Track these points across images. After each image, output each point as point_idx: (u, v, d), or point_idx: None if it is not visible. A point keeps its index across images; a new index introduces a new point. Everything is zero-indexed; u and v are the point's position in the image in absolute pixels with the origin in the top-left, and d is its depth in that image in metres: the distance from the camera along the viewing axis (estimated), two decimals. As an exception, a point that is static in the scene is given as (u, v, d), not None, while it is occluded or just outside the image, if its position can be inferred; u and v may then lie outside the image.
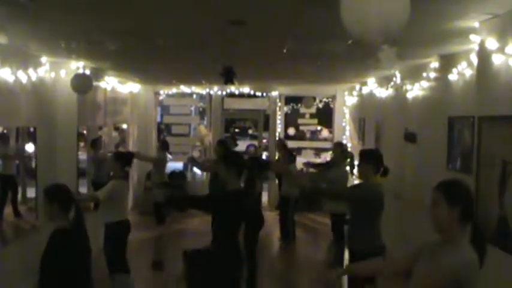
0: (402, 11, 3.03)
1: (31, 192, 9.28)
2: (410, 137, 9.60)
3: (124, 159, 8.06)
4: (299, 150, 17.60)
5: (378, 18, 2.95)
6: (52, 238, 4.75)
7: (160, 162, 12.73)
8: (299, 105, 17.63)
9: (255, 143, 23.48)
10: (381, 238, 6.11)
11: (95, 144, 11.60)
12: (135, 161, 15.05)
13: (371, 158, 6.08)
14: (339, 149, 10.46)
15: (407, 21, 3.14)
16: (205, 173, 16.64)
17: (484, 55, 5.68)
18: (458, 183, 3.45)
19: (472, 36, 5.90)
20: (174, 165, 17.84)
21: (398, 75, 10.43)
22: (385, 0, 2.97)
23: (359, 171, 6.27)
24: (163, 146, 12.99)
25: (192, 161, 12.17)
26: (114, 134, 14.42)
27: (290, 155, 12.02)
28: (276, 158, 14.41)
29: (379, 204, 6.01)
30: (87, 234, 5.12)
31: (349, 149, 15.38)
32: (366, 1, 2.98)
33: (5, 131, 11.04)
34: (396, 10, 3.01)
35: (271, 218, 12.17)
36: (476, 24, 5.70)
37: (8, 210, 9.51)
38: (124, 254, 7.88)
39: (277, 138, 15.67)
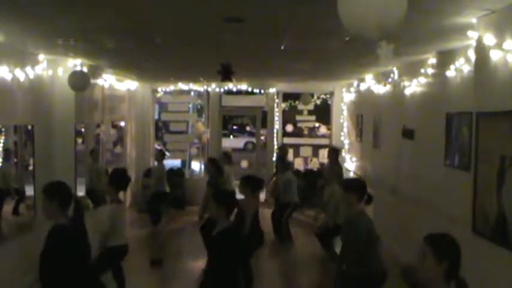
0: (399, 7, 3.03)
1: (29, 191, 9.26)
2: (408, 134, 9.60)
3: (120, 184, 7.57)
4: (297, 147, 17.61)
5: (374, 13, 2.95)
6: (51, 234, 4.74)
7: (159, 174, 12.72)
8: (297, 102, 17.60)
9: (253, 140, 23.49)
10: (382, 261, 6.01)
11: (93, 153, 11.57)
12: (133, 157, 15.16)
13: (354, 188, 6.06)
14: (334, 155, 10.62)
15: (405, 17, 3.14)
16: (203, 170, 16.68)
17: (481, 51, 5.68)
18: (447, 238, 3.40)
19: (470, 32, 5.90)
20: (173, 162, 17.88)
21: (396, 71, 10.43)
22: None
23: (344, 200, 6.32)
24: (160, 156, 13.01)
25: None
26: (112, 131, 14.42)
27: (286, 164, 12.19)
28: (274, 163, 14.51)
29: (367, 234, 5.88)
30: (86, 230, 5.11)
31: (345, 147, 15.52)
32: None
33: (2, 129, 11.04)
34: (393, 6, 3.01)
35: (269, 215, 12.13)
36: (473, 20, 5.70)
37: (7, 208, 9.50)
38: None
39: (279, 134, 15.70)
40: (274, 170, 13.78)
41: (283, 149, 13.51)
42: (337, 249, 8.88)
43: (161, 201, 12.63)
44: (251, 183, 8.32)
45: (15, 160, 10.78)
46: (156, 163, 13.38)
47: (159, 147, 16.14)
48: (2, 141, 11.28)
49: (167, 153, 13.87)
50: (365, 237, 5.72)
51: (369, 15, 2.97)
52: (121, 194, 7.82)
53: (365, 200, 6.10)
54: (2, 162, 10.80)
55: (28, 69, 8.21)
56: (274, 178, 12.87)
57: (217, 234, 5.67)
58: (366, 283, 5.76)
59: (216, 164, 10.95)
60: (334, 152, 12.30)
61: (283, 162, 12.27)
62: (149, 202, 12.73)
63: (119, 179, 7.61)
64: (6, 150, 10.89)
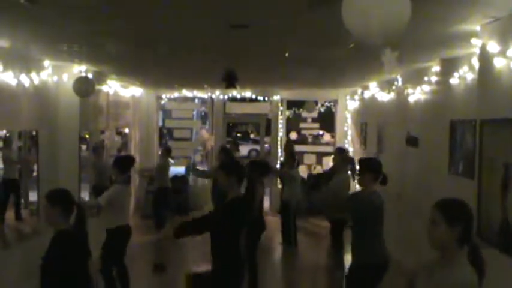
0: (403, 13, 3.04)
1: (33, 196, 9.29)
2: (412, 141, 9.60)
3: (124, 164, 8.04)
4: (301, 155, 17.60)
5: (379, 20, 2.96)
6: (54, 240, 4.75)
7: (162, 168, 12.83)
8: (301, 109, 17.63)
9: (257, 147, 23.50)
10: (384, 246, 6.07)
11: (96, 150, 11.61)
12: (137, 164, 15.16)
13: (370, 167, 6.10)
14: (339, 155, 10.50)
15: (409, 24, 3.15)
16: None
17: (485, 58, 5.69)
18: (459, 203, 3.38)
19: (474, 40, 5.91)
20: (177, 169, 17.88)
21: (400, 79, 10.44)
22: (386, 2, 2.98)
23: (359, 180, 6.29)
24: (166, 152, 13.08)
25: (194, 170, 12.23)
26: (116, 138, 14.45)
27: (294, 160, 12.04)
28: (281, 161, 14.40)
29: (379, 212, 5.99)
30: (87, 238, 5.12)
31: (350, 154, 15.47)
32: (368, 3, 2.99)
33: (7, 135, 11.08)
34: (397, 12, 3.02)
35: (273, 223, 12.14)
36: (477, 28, 5.72)
37: (10, 214, 9.53)
38: (122, 258, 7.84)
39: (283, 141, 15.68)
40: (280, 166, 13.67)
41: (290, 145, 13.43)
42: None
43: (165, 199, 12.66)
44: (257, 168, 8.29)
45: (18, 166, 10.84)
46: (160, 159, 13.38)
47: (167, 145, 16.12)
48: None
49: (172, 161, 13.86)
50: (378, 215, 5.81)
51: (373, 21, 2.98)
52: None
53: (380, 181, 6.10)
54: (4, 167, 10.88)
55: (33, 75, 8.24)
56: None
57: (231, 200, 5.59)
58: (370, 272, 5.80)
59: (228, 153, 10.83)
60: (340, 153, 12.20)
61: (292, 158, 12.10)
62: (154, 201, 12.78)
63: (123, 160, 8.17)
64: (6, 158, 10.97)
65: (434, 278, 3.30)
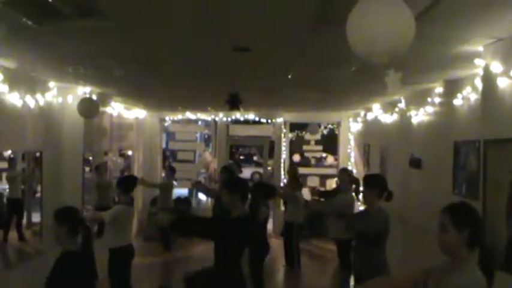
0: (408, 32, 3.06)
1: (36, 217, 9.28)
2: (415, 163, 9.58)
3: (127, 184, 8.08)
4: (304, 177, 17.59)
5: (383, 39, 2.98)
6: (59, 261, 4.74)
7: (166, 188, 12.84)
8: (303, 132, 17.68)
9: (260, 170, 23.50)
10: (387, 263, 6.08)
11: (99, 169, 11.63)
12: (140, 187, 15.17)
13: (374, 183, 6.11)
14: (345, 174, 10.46)
15: (411, 46, 3.18)
16: (210, 199, 16.67)
17: (488, 78, 5.71)
18: (466, 207, 3.39)
19: (477, 60, 5.95)
20: (180, 191, 17.89)
21: (403, 100, 10.46)
22: (391, 21, 3.00)
23: (363, 196, 6.29)
24: (170, 172, 13.10)
25: (198, 185, 12.19)
26: (120, 160, 14.48)
27: (297, 183, 12.04)
28: (284, 183, 14.36)
29: (384, 229, 6.00)
30: (94, 259, 5.11)
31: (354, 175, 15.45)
32: (372, 22, 3.01)
33: (11, 156, 11.11)
34: (402, 31, 3.04)
35: (277, 245, 12.11)
36: (480, 48, 5.75)
37: (13, 234, 9.51)
38: (128, 279, 7.85)
39: (287, 164, 15.67)
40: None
41: (293, 168, 13.42)
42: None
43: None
44: (262, 190, 8.26)
45: (22, 187, 10.85)
46: (164, 178, 13.39)
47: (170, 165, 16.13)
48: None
49: (175, 183, 13.88)
50: (383, 231, 5.78)
51: (377, 40, 2.99)
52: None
53: (385, 197, 6.09)
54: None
55: (38, 96, 8.29)
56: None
57: (235, 219, 5.58)
58: None
59: (230, 172, 10.82)
60: (346, 173, 12.19)
61: (295, 180, 12.06)
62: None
63: (126, 180, 8.16)
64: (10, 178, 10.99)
65: (444, 282, 3.29)
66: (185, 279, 5.85)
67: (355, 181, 10.31)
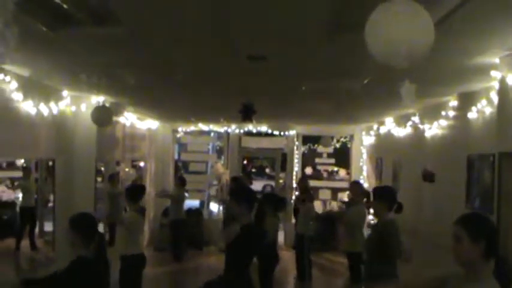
0: (427, 36, 3.02)
1: (48, 226, 9.29)
2: (428, 177, 9.51)
3: (134, 192, 8.07)
4: (316, 190, 17.52)
5: (402, 41, 2.95)
6: (72, 266, 4.70)
7: (178, 199, 12.83)
8: (316, 145, 17.65)
9: (272, 183, 23.45)
10: (397, 276, 6.00)
11: (112, 179, 11.65)
12: (152, 196, 15.20)
13: (383, 195, 6.06)
14: (357, 187, 10.41)
15: (426, 58, 3.15)
16: (221, 210, 16.65)
17: (504, 90, 5.67)
18: (480, 217, 3.34)
19: (493, 72, 5.89)
20: (191, 202, 17.88)
21: (416, 114, 10.41)
22: (410, 24, 2.97)
23: (373, 208, 6.24)
24: (180, 183, 13.09)
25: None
26: (132, 171, 14.51)
27: (308, 195, 12.01)
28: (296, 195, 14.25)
29: (394, 241, 5.93)
30: (108, 266, 5.09)
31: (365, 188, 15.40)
32: (391, 25, 2.98)
33: (24, 165, 11.19)
34: (422, 35, 3.01)
35: (288, 257, 12.05)
36: (496, 60, 5.70)
37: (25, 243, 9.54)
38: (139, 287, 7.84)
39: (298, 176, 15.61)
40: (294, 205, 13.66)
41: (304, 180, 13.38)
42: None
43: (181, 229, 12.65)
44: (273, 202, 8.23)
45: (35, 196, 10.91)
46: (175, 190, 13.37)
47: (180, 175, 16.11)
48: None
49: (186, 194, 13.89)
50: (395, 243, 5.72)
51: (397, 44, 2.96)
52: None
53: (395, 209, 6.04)
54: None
55: (52, 104, 8.32)
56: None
57: (244, 227, 5.56)
58: None
59: (240, 183, 10.77)
60: (357, 186, 12.18)
61: (306, 192, 12.02)
62: (171, 234, 12.76)
63: (132, 189, 8.20)
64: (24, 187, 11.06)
65: None
66: None
67: (367, 194, 10.27)
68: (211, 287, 5.67)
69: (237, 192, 5.98)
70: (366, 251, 6.70)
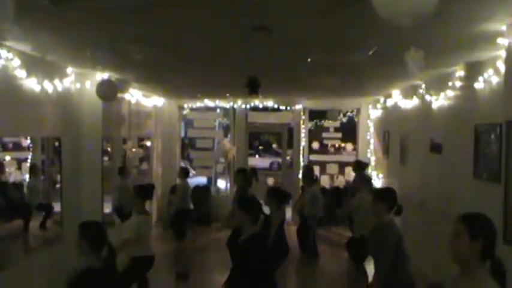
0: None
1: (57, 207, 9.31)
2: (436, 148, 9.47)
3: (144, 193, 7.79)
4: (323, 165, 17.52)
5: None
6: (82, 278, 4.59)
7: (184, 190, 12.86)
8: (323, 121, 17.58)
9: (279, 160, 23.44)
10: (409, 276, 5.89)
11: (122, 171, 11.66)
12: (159, 174, 15.22)
13: (384, 197, 5.99)
14: (358, 171, 10.53)
15: (432, 26, 3.11)
16: (229, 188, 16.68)
17: (511, 59, 5.59)
18: (482, 217, 3.32)
19: (500, 40, 5.81)
20: (199, 179, 17.91)
21: (423, 85, 10.33)
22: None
23: (373, 209, 6.17)
24: (184, 173, 13.06)
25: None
26: (139, 150, 14.56)
27: (313, 179, 12.22)
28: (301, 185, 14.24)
29: (395, 244, 5.80)
30: (116, 275, 5.06)
31: (371, 164, 15.42)
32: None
33: (31, 145, 11.22)
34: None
35: (294, 232, 12.05)
36: (503, 27, 5.61)
37: (33, 223, 9.59)
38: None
39: (305, 151, 15.63)
40: (301, 189, 13.72)
41: (308, 166, 13.42)
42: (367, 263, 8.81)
43: (184, 218, 12.70)
44: (277, 196, 8.26)
45: (42, 177, 10.96)
46: (179, 181, 13.35)
47: (183, 165, 16.13)
48: (29, 157, 11.50)
49: (192, 171, 13.88)
50: (393, 247, 5.63)
51: (402, 1, 2.91)
52: (147, 206, 7.95)
53: (394, 211, 6.01)
54: (29, 178, 10.99)
55: (56, 81, 8.30)
56: (301, 193, 12.87)
57: (244, 240, 5.57)
58: None
59: (245, 174, 10.77)
60: (360, 165, 12.27)
61: (309, 177, 12.18)
62: (172, 220, 12.81)
63: (144, 189, 7.86)
64: (33, 166, 11.11)
65: None
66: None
67: (368, 180, 10.34)
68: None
69: (242, 202, 5.94)
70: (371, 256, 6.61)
